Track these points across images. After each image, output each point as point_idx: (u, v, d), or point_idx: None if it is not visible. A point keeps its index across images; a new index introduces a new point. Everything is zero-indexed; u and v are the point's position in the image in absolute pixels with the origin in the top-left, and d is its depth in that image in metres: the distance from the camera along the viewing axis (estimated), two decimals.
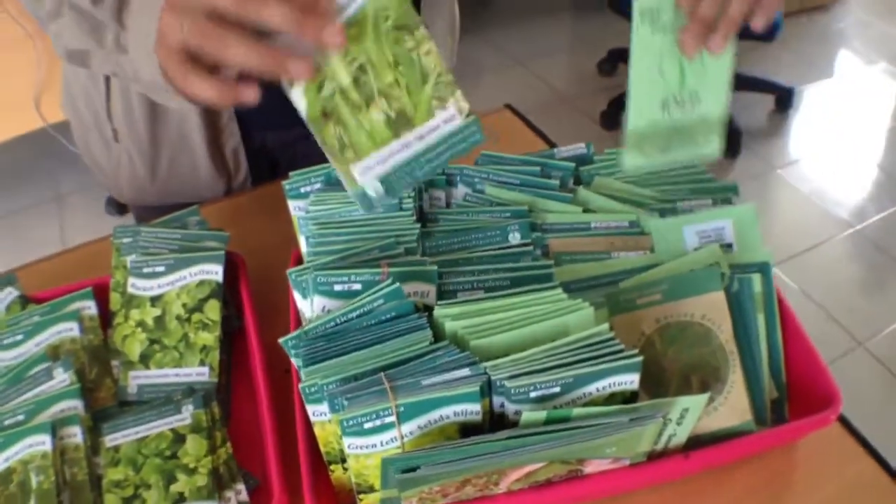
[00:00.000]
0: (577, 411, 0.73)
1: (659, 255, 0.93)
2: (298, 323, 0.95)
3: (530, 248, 0.91)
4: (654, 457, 0.83)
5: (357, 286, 0.82)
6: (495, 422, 0.78)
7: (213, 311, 0.98)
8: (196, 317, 0.98)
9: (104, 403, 0.97)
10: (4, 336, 1.00)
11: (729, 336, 0.86)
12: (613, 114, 3.82)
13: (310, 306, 0.84)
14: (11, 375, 0.96)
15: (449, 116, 0.84)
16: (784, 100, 3.92)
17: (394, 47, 0.80)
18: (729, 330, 0.86)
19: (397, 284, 0.80)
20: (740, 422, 0.85)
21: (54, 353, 0.98)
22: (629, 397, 0.78)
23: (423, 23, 0.80)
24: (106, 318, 1.03)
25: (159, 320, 0.98)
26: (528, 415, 0.72)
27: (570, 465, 0.77)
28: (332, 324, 0.80)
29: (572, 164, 1.02)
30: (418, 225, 0.91)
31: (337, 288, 0.83)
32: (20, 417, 0.92)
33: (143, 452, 0.91)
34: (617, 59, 4.16)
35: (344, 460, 0.82)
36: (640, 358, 0.75)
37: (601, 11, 3.82)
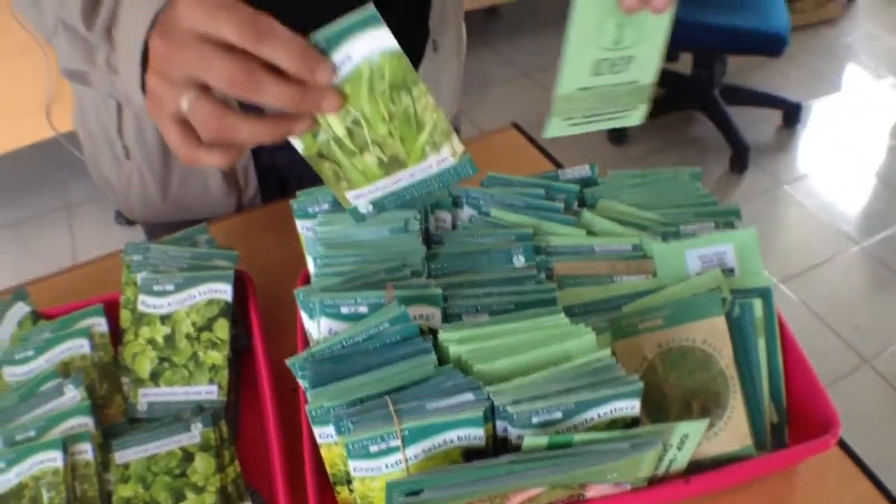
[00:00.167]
0: (578, 437, 0.74)
1: (661, 280, 0.93)
2: (305, 341, 0.96)
3: (534, 271, 0.92)
4: (655, 481, 0.83)
5: (363, 308, 0.84)
6: (498, 446, 0.79)
7: (223, 329, 0.99)
8: (205, 335, 0.99)
9: (114, 420, 0.99)
10: (16, 351, 1.01)
11: (730, 361, 0.87)
12: (621, 128, 3.83)
13: (317, 327, 0.86)
14: (23, 391, 0.97)
15: (442, 158, 0.85)
16: (792, 115, 3.92)
17: (388, 105, 0.80)
18: (730, 355, 0.87)
19: (403, 308, 0.81)
20: (740, 446, 0.86)
21: (65, 370, 0.99)
22: (630, 423, 0.79)
23: (420, 78, 0.80)
24: (116, 334, 1.04)
25: (169, 338, 1.00)
26: (531, 440, 0.74)
27: (571, 490, 0.78)
28: (339, 346, 0.81)
29: (577, 187, 1.03)
30: (424, 247, 0.92)
31: (343, 310, 0.84)
32: (31, 433, 0.93)
33: (152, 470, 0.92)
34: None
35: (350, 481, 0.83)
36: (641, 384, 0.77)
37: None
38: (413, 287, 0.85)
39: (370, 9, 0.74)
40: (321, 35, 0.74)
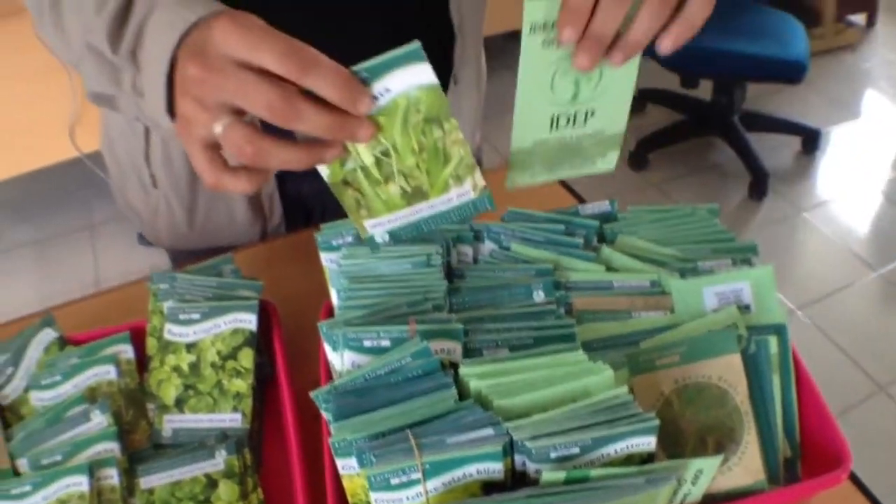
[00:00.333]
0: (595, 472, 0.76)
1: (679, 316, 0.95)
2: (328, 372, 0.97)
3: (553, 306, 0.94)
4: None
5: (386, 342, 0.85)
6: (517, 479, 0.80)
7: (247, 359, 1.01)
8: (230, 364, 1.01)
9: (139, 445, 1.01)
10: (43, 377, 1.03)
11: (745, 397, 0.88)
12: (642, 154, 3.85)
13: (340, 359, 0.87)
14: (50, 415, 0.99)
15: (463, 192, 0.87)
16: (811, 142, 3.93)
17: (420, 137, 0.81)
18: (745, 391, 0.88)
19: (425, 343, 0.82)
20: (754, 481, 0.87)
21: (92, 396, 1.01)
22: (646, 458, 0.80)
23: (452, 114, 0.81)
24: (142, 361, 1.06)
25: (194, 366, 1.01)
26: (549, 474, 0.75)
27: None
28: (362, 379, 0.83)
29: (596, 223, 1.04)
30: (446, 282, 0.94)
31: (366, 343, 0.85)
32: (58, 457, 0.95)
33: (176, 496, 0.94)
34: (646, 99, 4.19)
35: None
36: (657, 422, 0.78)
37: None
38: (435, 322, 0.87)
39: (415, 44, 0.75)
40: (364, 66, 0.76)
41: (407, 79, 0.77)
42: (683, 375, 0.89)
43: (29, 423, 1.00)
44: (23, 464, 0.96)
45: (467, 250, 1.02)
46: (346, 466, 0.82)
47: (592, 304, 0.96)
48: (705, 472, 0.80)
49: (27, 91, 3.14)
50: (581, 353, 0.85)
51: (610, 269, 1.00)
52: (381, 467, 0.75)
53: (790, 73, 3.38)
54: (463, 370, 0.83)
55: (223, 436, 0.99)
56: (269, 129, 0.76)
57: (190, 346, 1.02)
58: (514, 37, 4.44)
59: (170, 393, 1.01)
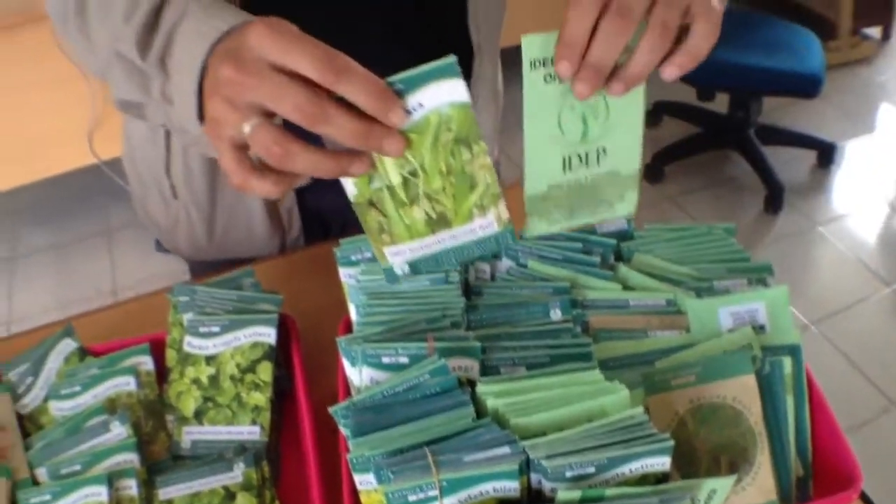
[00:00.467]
0: (610, 491, 0.76)
1: (694, 335, 0.95)
2: (346, 386, 0.98)
3: (570, 324, 0.94)
4: None
5: (404, 359, 0.86)
6: (532, 498, 0.81)
7: (266, 372, 1.02)
8: (249, 377, 1.02)
9: (158, 457, 1.02)
10: (63, 387, 1.04)
11: (758, 418, 0.89)
12: (658, 167, 3.85)
13: (358, 375, 0.88)
14: (69, 425, 1.00)
15: (487, 223, 0.88)
16: (826, 155, 3.93)
17: (448, 158, 0.81)
18: (758, 412, 0.89)
19: (443, 361, 0.83)
20: (766, 501, 0.88)
21: (111, 406, 1.02)
22: (660, 478, 0.81)
23: (482, 136, 0.81)
24: (162, 373, 1.07)
25: (213, 379, 1.02)
26: (564, 493, 0.76)
27: None
28: (380, 396, 0.84)
29: (613, 241, 1.05)
30: (463, 299, 0.94)
31: (385, 360, 0.86)
32: (77, 467, 0.96)
33: None
34: (661, 112, 4.20)
35: None
36: (672, 443, 0.78)
37: None
38: (452, 339, 0.88)
39: (451, 58, 0.75)
40: (399, 78, 0.76)
41: (440, 94, 0.77)
42: (698, 396, 0.89)
43: (48, 432, 1.01)
44: (42, 473, 0.97)
45: (485, 267, 1.03)
46: (364, 482, 0.83)
47: (609, 322, 0.97)
48: (719, 492, 0.81)
49: (46, 98, 3.17)
50: (597, 373, 0.85)
51: (626, 287, 1.00)
52: (399, 484, 0.76)
53: (806, 87, 3.39)
54: (480, 388, 0.84)
55: (241, 448, 1.00)
56: (299, 136, 0.76)
57: (209, 359, 1.03)
58: None
59: (189, 405, 1.02)
